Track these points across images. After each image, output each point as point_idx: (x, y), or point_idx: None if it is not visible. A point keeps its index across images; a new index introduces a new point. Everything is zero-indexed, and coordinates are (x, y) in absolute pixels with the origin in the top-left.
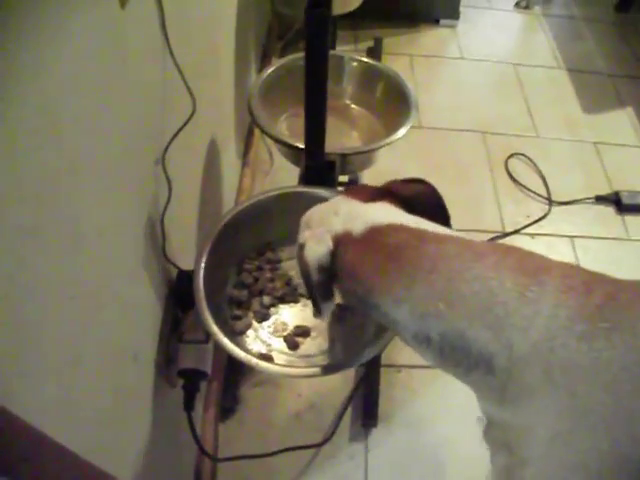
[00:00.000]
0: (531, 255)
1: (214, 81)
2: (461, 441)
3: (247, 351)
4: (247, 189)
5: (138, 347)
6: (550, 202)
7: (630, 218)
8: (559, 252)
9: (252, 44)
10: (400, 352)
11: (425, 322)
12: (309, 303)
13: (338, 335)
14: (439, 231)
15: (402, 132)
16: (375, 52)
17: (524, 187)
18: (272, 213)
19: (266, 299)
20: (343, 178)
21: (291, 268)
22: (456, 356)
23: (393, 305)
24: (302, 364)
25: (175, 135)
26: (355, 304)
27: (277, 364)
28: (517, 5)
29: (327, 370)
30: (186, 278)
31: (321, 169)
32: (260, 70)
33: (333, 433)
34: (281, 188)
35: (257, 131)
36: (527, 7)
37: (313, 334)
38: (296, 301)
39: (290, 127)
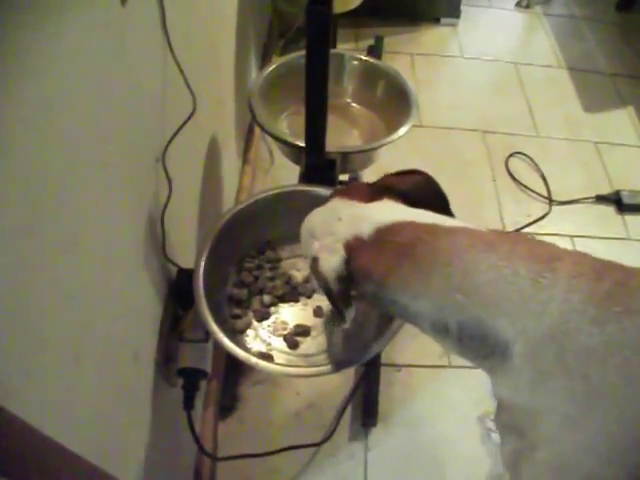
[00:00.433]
0: (542, 243)
1: (214, 79)
2: (461, 440)
3: (247, 350)
4: (247, 188)
5: (138, 346)
6: (550, 201)
7: (630, 218)
8: None
9: (253, 42)
10: (400, 351)
11: (443, 313)
12: (309, 302)
13: (337, 335)
14: (447, 223)
15: (403, 131)
16: (376, 51)
17: (524, 186)
18: (272, 212)
19: (266, 298)
20: (344, 177)
21: (291, 267)
22: (474, 344)
23: (411, 300)
24: (302, 363)
25: (175, 133)
26: (373, 302)
27: (277, 363)
28: (518, 4)
29: (337, 367)
30: (186, 277)
31: (321, 168)
32: (261, 68)
33: (333, 432)
34: (281, 187)
35: (257, 129)
36: (528, 6)
37: (313, 333)
38: (296, 300)
39: (291, 125)
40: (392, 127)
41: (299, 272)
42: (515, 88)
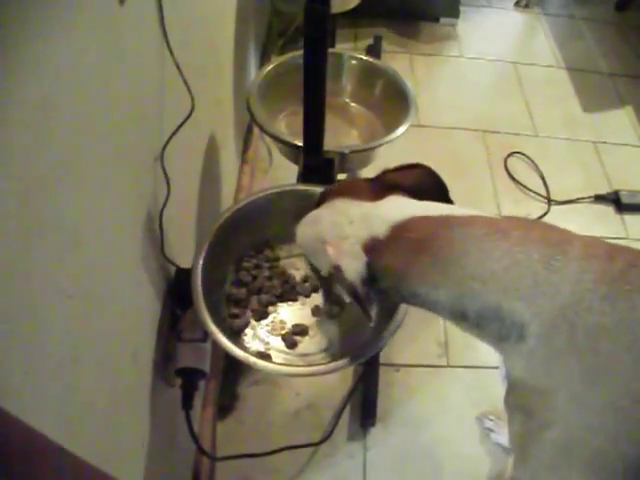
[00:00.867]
0: (554, 228)
1: (213, 79)
2: (459, 440)
3: (245, 350)
4: (246, 187)
5: (136, 346)
6: (549, 201)
7: (629, 217)
8: None
9: (252, 41)
10: (398, 351)
11: (461, 301)
12: (307, 301)
13: (334, 334)
14: (459, 213)
15: (401, 130)
16: (375, 50)
17: (523, 186)
18: (271, 211)
19: (264, 297)
20: (342, 176)
21: (289, 266)
22: (491, 327)
23: (431, 291)
24: (300, 363)
25: (174, 133)
26: (393, 296)
27: (275, 363)
28: (517, 4)
29: (336, 366)
30: (184, 276)
31: (320, 167)
32: (260, 68)
33: (332, 432)
34: (280, 186)
35: (256, 129)
36: (527, 6)
37: (311, 333)
38: (294, 299)
39: (289, 125)
40: (390, 127)
41: (297, 271)
42: (514, 88)
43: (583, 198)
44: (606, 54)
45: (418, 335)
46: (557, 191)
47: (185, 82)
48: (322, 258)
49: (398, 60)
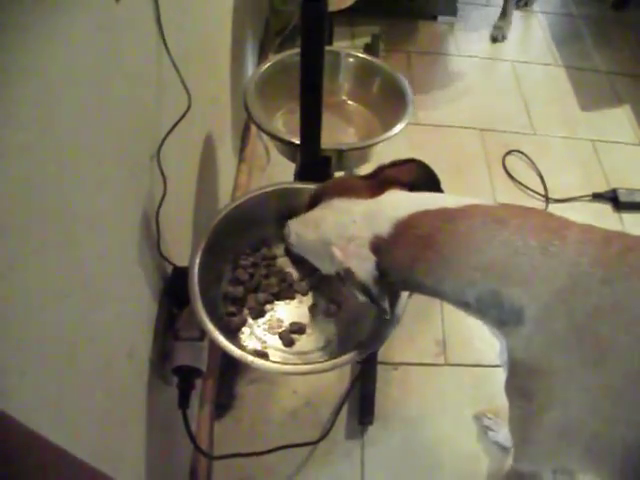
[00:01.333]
0: (552, 215)
1: (210, 76)
2: (457, 438)
3: (242, 348)
4: (243, 185)
5: (133, 344)
6: (547, 199)
7: (627, 215)
8: None
9: (249, 39)
10: (396, 350)
11: (463, 290)
12: (304, 300)
13: (332, 332)
14: (459, 203)
15: (398, 128)
16: (372, 48)
17: (521, 184)
18: (268, 209)
19: (261, 296)
20: (339, 174)
21: (287, 264)
22: (492, 313)
23: (436, 283)
24: (298, 361)
25: (170, 131)
26: (401, 287)
27: (272, 361)
28: (515, 3)
29: (333, 364)
30: (181, 275)
31: (317, 165)
32: (257, 66)
33: (329, 430)
34: (277, 184)
35: (253, 127)
36: (525, 5)
37: (308, 331)
38: (292, 298)
39: (286, 123)
40: (388, 125)
41: (294, 270)
42: (512, 86)
43: (581, 196)
44: (604, 53)
45: (416, 334)
46: (555, 189)
47: (182, 79)
48: (326, 260)
49: (396, 58)
